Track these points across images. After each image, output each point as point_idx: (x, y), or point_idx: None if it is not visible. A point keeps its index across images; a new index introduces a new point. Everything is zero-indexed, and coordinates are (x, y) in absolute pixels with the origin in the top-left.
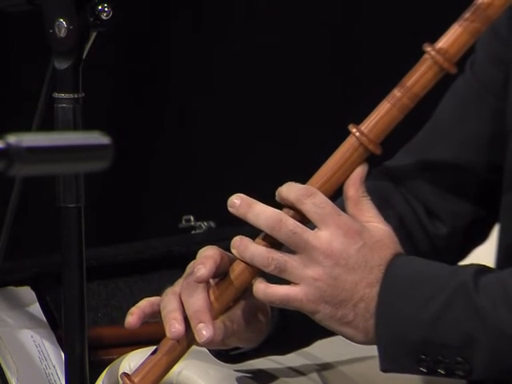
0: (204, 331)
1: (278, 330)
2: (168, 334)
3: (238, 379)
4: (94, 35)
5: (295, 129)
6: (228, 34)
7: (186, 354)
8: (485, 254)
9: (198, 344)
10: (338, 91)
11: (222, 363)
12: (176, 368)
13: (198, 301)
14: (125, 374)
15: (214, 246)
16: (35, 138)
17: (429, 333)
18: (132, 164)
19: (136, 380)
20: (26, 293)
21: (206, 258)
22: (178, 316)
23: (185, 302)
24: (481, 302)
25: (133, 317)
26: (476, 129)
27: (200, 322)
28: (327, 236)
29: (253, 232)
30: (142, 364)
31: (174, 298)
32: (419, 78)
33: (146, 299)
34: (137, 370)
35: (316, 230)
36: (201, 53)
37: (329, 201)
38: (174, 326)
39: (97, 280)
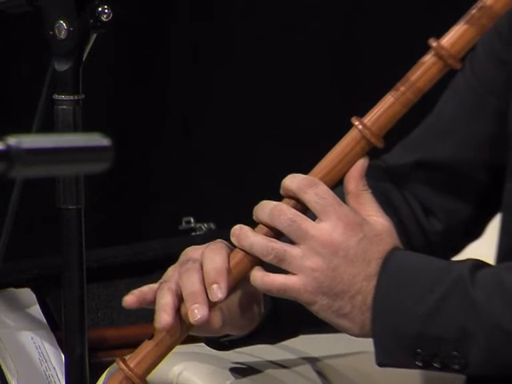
0: (197, 311)
1: (270, 319)
2: (156, 323)
3: (239, 381)
4: (94, 37)
5: (296, 130)
6: (228, 35)
7: (185, 355)
8: (485, 253)
9: (194, 332)
10: (339, 91)
11: (223, 365)
12: (176, 369)
13: (194, 284)
14: (121, 358)
15: (221, 244)
16: (35, 139)
17: (425, 326)
18: (132, 165)
19: (132, 365)
20: (26, 294)
21: (219, 275)
22: (169, 309)
23: (182, 285)
24: (477, 297)
25: (132, 296)
26: (475, 128)
27: (195, 303)
28: (327, 227)
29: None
30: (138, 349)
31: (168, 293)
32: (423, 72)
33: (147, 286)
34: (133, 355)
35: (317, 220)
36: (201, 54)
37: (331, 192)
38: (162, 317)
39: (97, 281)
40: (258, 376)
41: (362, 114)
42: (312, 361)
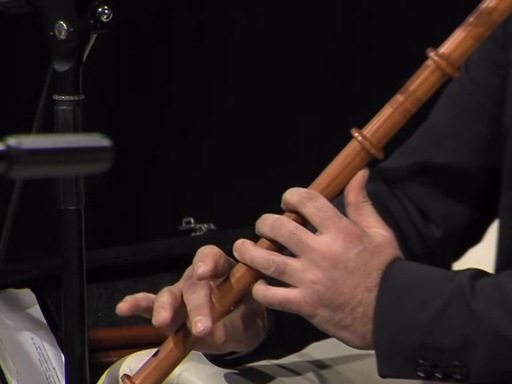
0: (200, 323)
1: (274, 334)
2: (153, 320)
3: (239, 382)
4: (94, 37)
5: (295, 132)
6: (228, 36)
7: (186, 356)
8: (484, 258)
9: (197, 348)
10: (339, 95)
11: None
12: (176, 370)
13: (199, 297)
14: (126, 375)
15: (212, 246)
16: (35, 140)
17: (426, 336)
18: (132, 166)
19: (137, 382)
20: (26, 295)
21: (205, 256)
22: (167, 306)
23: (186, 299)
24: (477, 305)
25: (125, 304)
26: (472, 133)
27: (198, 315)
28: (327, 239)
29: (253, 235)
30: (143, 366)
31: (167, 293)
32: (422, 82)
33: (143, 293)
34: (138, 372)
35: (317, 233)
36: (201, 54)
37: (330, 204)
38: (160, 314)
39: (97, 282)
40: (258, 377)
41: (360, 116)
42: (314, 363)
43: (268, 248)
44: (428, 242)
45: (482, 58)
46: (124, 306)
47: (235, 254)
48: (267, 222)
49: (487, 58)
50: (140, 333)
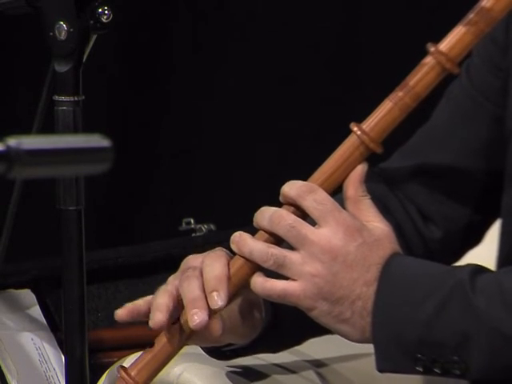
0: (196, 316)
1: (271, 326)
2: (150, 322)
3: (239, 382)
4: (94, 38)
5: (295, 131)
6: (228, 37)
7: (186, 356)
8: (485, 256)
9: (195, 342)
10: (339, 92)
11: (223, 366)
12: (176, 370)
13: (194, 290)
14: (122, 366)
15: (220, 252)
16: (35, 140)
17: (425, 332)
18: (132, 166)
19: (133, 373)
20: (26, 295)
21: (219, 282)
22: (164, 308)
23: (182, 292)
24: (477, 302)
25: (123, 310)
26: (472, 135)
27: (194, 309)
28: (327, 232)
29: (253, 234)
30: (138, 357)
31: (164, 294)
32: (422, 77)
33: (142, 298)
34: (134, 364)
35: (316, 226)
36: (202, 54)
37: (330, 198)
38: (157, 316)
39: (97, 282)
40: (258, 377)
41: (361, 114)
42: (313, 362)
43: (266, 241)
44: (428, 243)
45: (482, 61)
46: (122, 312)
47: (232, 246)
48: (266, 215)
49: (488, 61)
50: (140, 333)
